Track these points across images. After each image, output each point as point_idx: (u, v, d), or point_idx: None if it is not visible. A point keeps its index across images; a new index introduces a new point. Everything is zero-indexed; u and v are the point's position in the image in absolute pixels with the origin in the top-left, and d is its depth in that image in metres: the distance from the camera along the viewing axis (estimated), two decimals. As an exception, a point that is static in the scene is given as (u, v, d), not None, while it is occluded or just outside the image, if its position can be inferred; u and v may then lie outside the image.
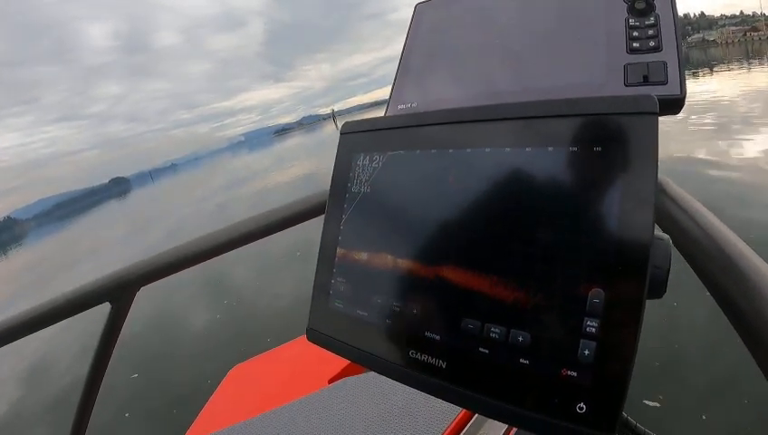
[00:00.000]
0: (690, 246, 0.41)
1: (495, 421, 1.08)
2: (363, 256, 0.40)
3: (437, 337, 0.35)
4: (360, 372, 1.56)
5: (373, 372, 1.15)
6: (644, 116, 0.30)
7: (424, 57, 0.54)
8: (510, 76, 0.46)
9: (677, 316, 2.83)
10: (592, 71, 0.42)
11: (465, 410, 1.06)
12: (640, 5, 0.42)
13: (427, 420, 1.06)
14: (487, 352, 0.32)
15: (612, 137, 0.31)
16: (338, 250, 0.42)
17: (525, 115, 0.35)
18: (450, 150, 0.37)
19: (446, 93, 0.50)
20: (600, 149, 0.31)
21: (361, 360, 0.39)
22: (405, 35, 0.58)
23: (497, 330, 0.32)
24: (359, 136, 0.45)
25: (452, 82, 0.50)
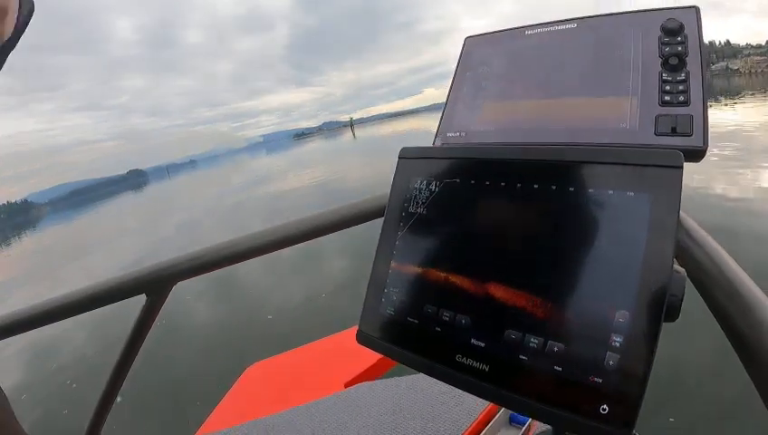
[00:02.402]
0: (702, 278, 0.46)
1: (509, 429, 1.13)
2: (416, 269, 0.46)
3: (482, 344, 0.40)
4: (375, 378, 1.60)
5: (388, 379, 1.20)
6: (671, 169, 0.36)
7: (472, 89, 0.60)
8: (551, 116, 0.52)
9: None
10: (627, 118, 0.47)
11: (479, 419, 1.10)
12: (674, 61, 0.47)
13: (444, 426, 1.10)
14: (526, 358, 0.38)
15: (644, 184, 0.37)
16: (392, 263, 0.48)
17: (572, 159, 0.41)
18: (502, 184, 0.43)
19: (491, 126, 0.56)
20: (632, 194, 0.37)
21: (409, 362, 0.44)
22: (454, 65, 0.63)
23: (536, 340, 0.37)
24: (417, 162, 0.50)
25: (497, 116, 0.56)
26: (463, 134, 0.57)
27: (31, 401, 4.65)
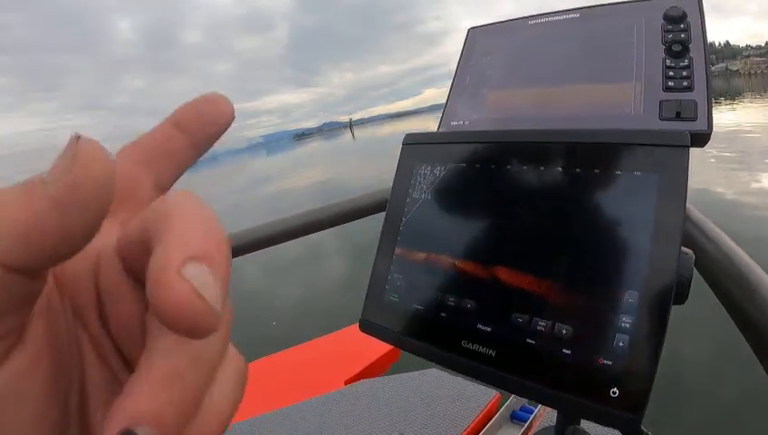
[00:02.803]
0: (708, 264, 0.46)
1: (511, 426, 1.12)
2: (421, 255, 0.46)
3: (489, 329, 0.40)
4: (377, 375, 1.60)
5: (389, 376, 1.20)
6: (678, 148, 0.36)
7: (475, 78, 0.60)
8: (556, 102, 0.52)
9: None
10: (632, 104, 0.47)
11: (480, 417, 1.10)
12: (677, 48, 0.47)
13: (445, 423, 1.10)
14: (534, 342, 0.37)
15: (651, 164, 0.36)
16: (396, 249, 0.47)
17: (578, 141, 0.40)
18: (508, 167, 0.43)
19: (495, 114, 0.55)
20: (639, 173, 0.36)
21: (414, 349, 0.44)
22: (458, 56, 0.63)
23: (543, 323, 0.37)
24: (421, 147, 0.50)
25: (501, 104, 0.56)
26: (466, 122, 0.57)
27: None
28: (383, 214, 0.51)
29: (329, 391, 1.35)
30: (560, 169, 0.40)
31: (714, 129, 0.43)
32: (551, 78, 0.53)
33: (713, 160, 7.75)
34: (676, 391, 2.50)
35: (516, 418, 1.15)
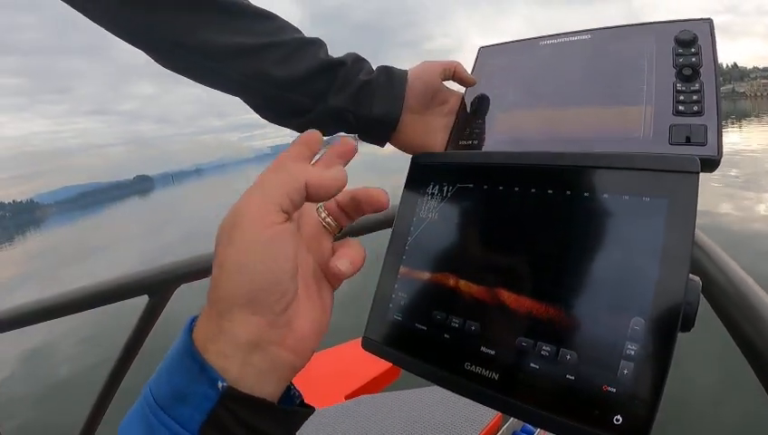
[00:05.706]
0: (715, 289, 0.46)
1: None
2: (426, 275, 0.45)
3: (492, 352, 0.39)
4: (377, 391, 1.59)
5: (389, 393, 1.18)
6: (687, 175, 0.36)
7: (485, 98, 0.60)
8: (565, 125, 0.52)
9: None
10: (641, 128, 0.47)
11: (483, 433, 1.09)
12: (687, 72, 0.47)
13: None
14: (538, 367, 0.37)
15: (660, 189, 0.36)
16: (401, 268, 0.47)
17: (586, 164, 0.40)
18: (516, 189, 0.42)
19: (503, 135, 0.55)
20: (648, 199, 0.36)
21: (416, 369, 0.43)
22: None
23: (548, 348, 0.37)
24: (430, 166, 0.50)
25: (509, 125, 0.56)
26: (474, 142, 0.57)
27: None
28: (389, 230, 0.51)
29: (328, 405, 1.34)
30: (568, 192, 0.40)
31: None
32: (560, 100, 0.53)
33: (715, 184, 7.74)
34: (680, 418, 2.47)
35: (517, 438, 1.14)
